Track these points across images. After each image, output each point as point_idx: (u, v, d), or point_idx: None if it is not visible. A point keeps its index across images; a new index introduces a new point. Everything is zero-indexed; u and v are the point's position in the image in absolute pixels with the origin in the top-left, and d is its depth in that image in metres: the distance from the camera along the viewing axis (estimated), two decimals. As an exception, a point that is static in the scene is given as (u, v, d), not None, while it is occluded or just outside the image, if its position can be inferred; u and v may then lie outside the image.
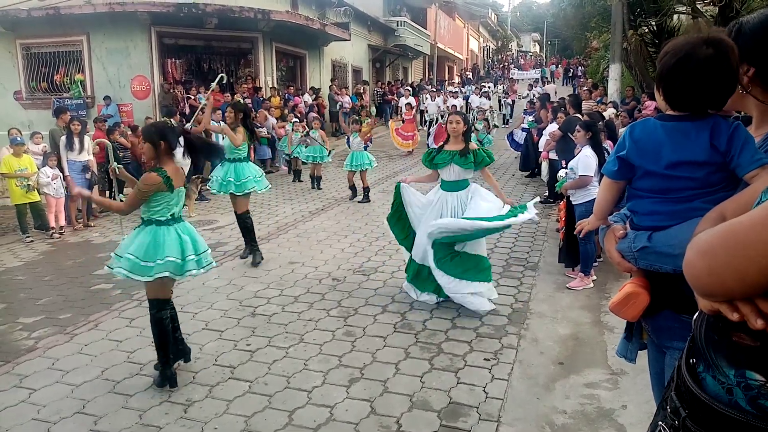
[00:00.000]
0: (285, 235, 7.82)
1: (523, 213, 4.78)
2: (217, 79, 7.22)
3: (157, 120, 12.07)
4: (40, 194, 8.18)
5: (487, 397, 3.60)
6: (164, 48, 14.69)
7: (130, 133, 10.54)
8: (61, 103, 12.55)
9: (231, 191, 6.28)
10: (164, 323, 3.75)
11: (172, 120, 9.71)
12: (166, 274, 3.61)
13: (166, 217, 3.70)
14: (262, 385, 3.78)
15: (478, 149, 5.07)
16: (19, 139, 8.24)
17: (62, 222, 8.35)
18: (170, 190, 3.64)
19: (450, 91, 23.75)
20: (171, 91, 14.20)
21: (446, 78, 37.16)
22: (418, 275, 5.20)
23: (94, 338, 4.60)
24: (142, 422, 3.39)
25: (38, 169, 8.21)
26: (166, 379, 3.77)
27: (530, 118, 12.92)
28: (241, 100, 11.03)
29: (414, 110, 16.81)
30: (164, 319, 3.75)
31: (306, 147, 11.40)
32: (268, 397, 3.63)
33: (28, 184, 7.98)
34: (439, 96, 20.01)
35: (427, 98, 19.17)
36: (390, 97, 23.14)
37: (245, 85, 15.13)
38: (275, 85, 16.35)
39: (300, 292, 5.57)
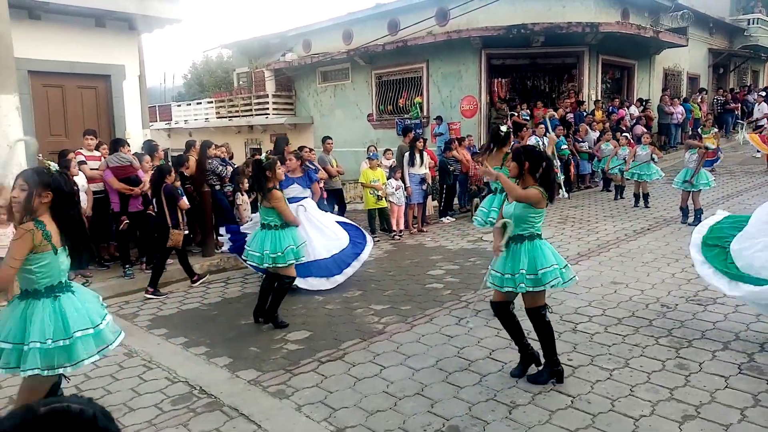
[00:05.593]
0: (606, 254, 7.53)
1: None
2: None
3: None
4: (386, 201, 9.55)
5: None
6: (492, 69, 15.62)
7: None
8: (409, 124, 14.60)
9: None
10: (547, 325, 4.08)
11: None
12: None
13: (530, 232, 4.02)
14: (585, 403, 3.75)
15: None
16: (374, 154, 9.78)
17: (401, 226, 9.59)
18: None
19: None
20: (495, 109, 15.00)
21: (812, 80, 30.59)
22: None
23: (429, 330, 5.19)
24: (471, 414, 3.70)
25: (386, 180, 9.59)
26: (551, 374, 4.06)
27: None
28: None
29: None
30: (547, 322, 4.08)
31: (638, 166, 10.61)
32: (591, 416, 3.58)
33: (378, 194, 9.39)
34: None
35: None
36: (733, 105, 20.15)
37: (567, 100, 15.04)
38: (599, 98, 15.84)
39: (624, 314, 5.32)
